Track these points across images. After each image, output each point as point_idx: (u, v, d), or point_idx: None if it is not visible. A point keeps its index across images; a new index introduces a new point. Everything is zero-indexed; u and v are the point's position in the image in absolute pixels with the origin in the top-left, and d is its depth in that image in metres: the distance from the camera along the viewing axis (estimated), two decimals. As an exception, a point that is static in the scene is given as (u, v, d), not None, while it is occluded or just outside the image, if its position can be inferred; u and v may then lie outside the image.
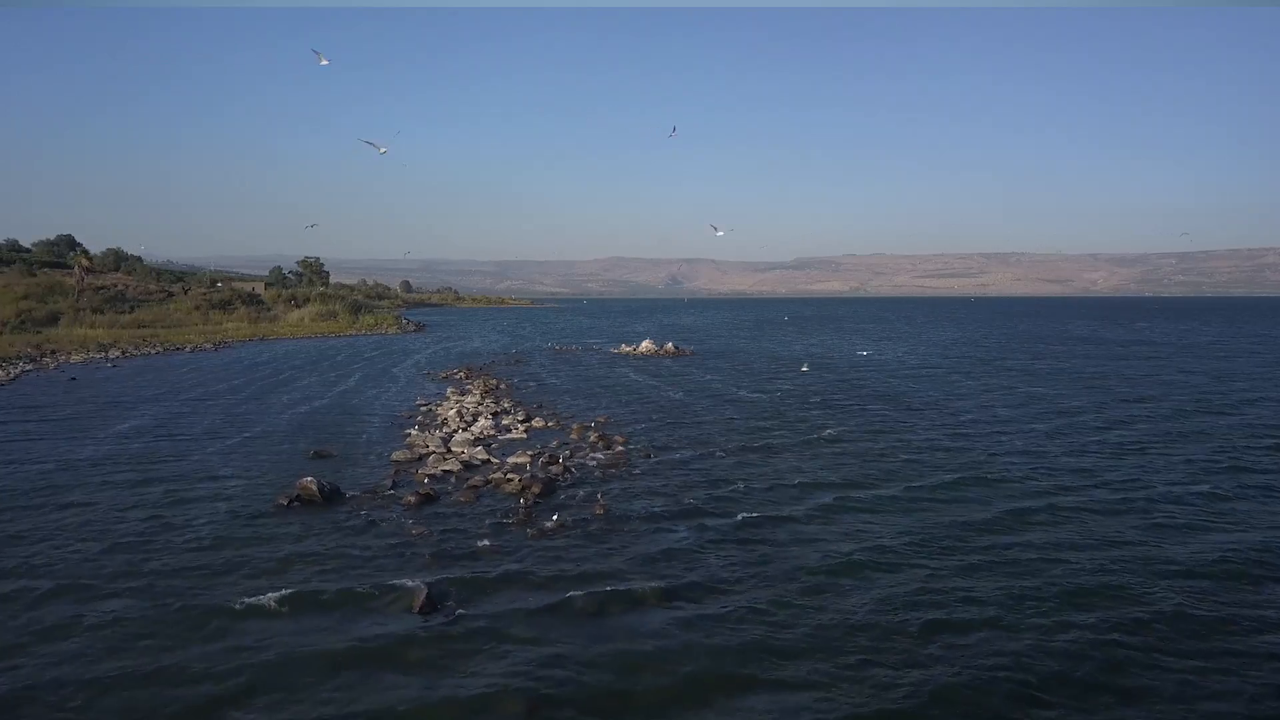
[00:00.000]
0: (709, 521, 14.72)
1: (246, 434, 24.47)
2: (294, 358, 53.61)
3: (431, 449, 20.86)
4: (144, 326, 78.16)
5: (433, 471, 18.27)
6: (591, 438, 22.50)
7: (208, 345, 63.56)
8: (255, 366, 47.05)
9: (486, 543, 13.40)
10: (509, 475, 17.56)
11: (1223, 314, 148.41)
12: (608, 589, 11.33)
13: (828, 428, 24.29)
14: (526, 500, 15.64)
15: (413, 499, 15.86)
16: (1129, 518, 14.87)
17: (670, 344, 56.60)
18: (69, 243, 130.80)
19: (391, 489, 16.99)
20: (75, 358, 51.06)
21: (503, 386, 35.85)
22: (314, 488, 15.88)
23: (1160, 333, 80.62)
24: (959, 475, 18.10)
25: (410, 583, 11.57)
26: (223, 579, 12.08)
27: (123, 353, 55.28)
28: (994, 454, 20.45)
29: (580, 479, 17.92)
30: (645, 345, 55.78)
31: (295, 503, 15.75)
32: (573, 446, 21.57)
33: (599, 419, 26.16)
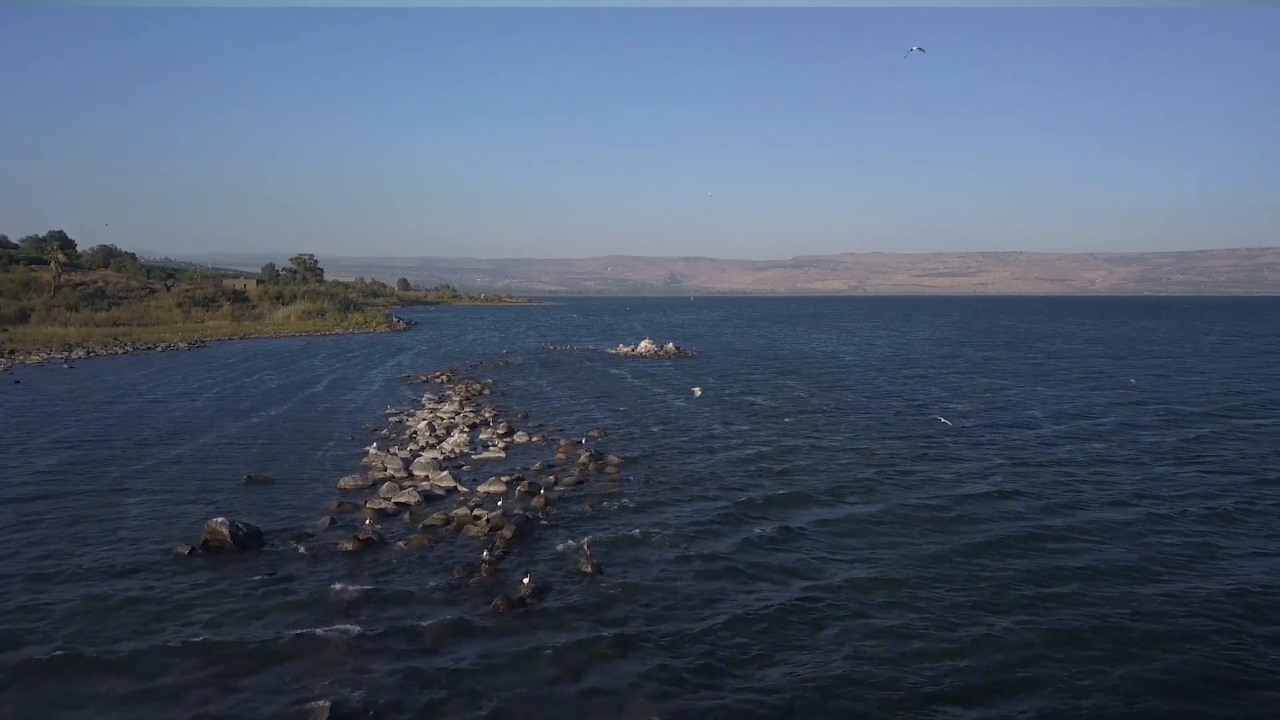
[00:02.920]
0: (724, 581, 11.41)
1: (182, 449, 21.13)
2: (270, 358, 50.25)
3: (389, 472, 17.51)
4: (119, 325, 74.74)
5: (384, 505, 14.90)
6: (581, 457, 19.14)
7: (181, 344, 60.14)
8: (225, 368, 43.69)
9: (430, 619, 10.03)
10: (476, 512, 14.22)
11: (1225, 313, 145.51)
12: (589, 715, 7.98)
13: (847, 440, 20.96)
14: (493, 550, 12.29)
15: (350, 546, 12.51)
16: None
17: (670, 344, 53.22)
18: (60, 239, 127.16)
19: (328, 529, 13.64)
20: (34, 358, 47.67)
21: (486, 392, 32.48)
22: (225, 532, 12.54)
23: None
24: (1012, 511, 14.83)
25: (309, 689, 8.25)
26: (51, 660, 8.76)
27: (87, 353, 51.87)
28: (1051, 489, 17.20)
29: (565, 515, 14.56)
30: (644, 346, 52.40)
31: (199, 551, 12.41)
32: (558, 470, 18.22)
33: (591, 432, 22.81)
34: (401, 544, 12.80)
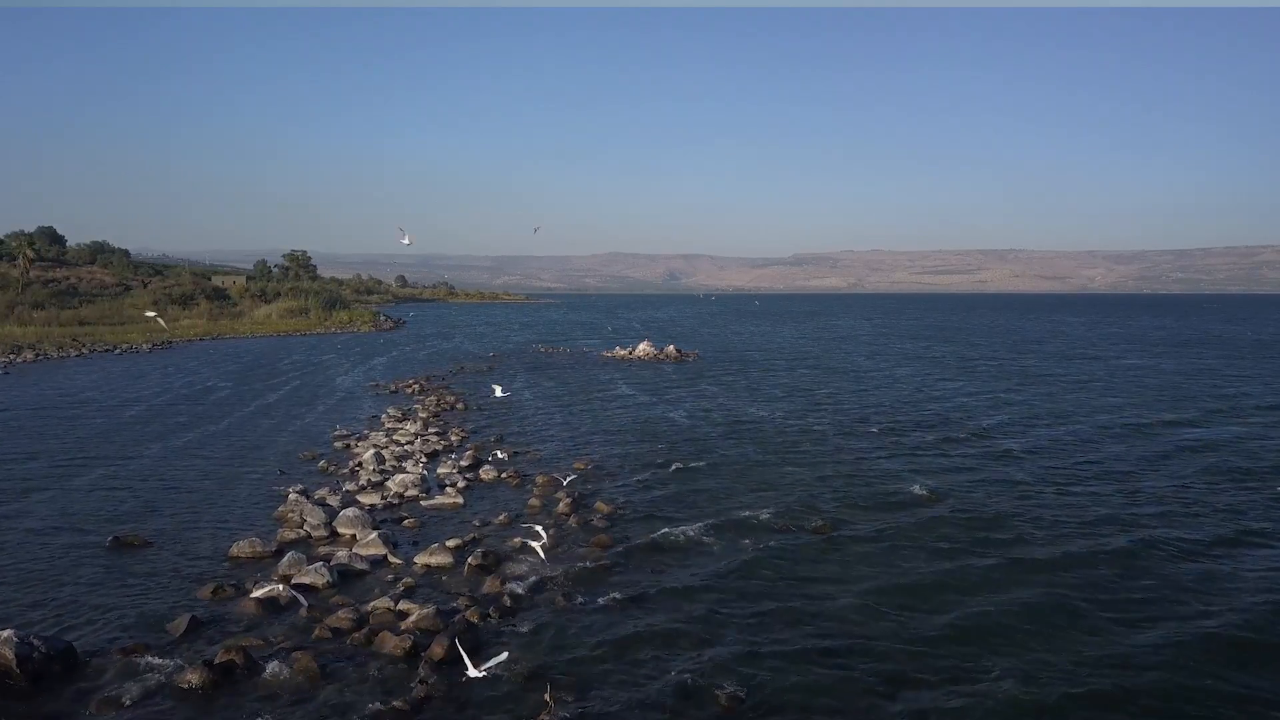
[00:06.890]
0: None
1: (72, 483, 17.06)
2: (234, 361, 46.01)
3: (305, 530, 13.30)
4: (85, 324, 70.41)
5: (276, 590, 10.64)
6: (561, 505, 14.93)
7: (145, 345, 55.80)
8: (178, 373, 39.44)
9: None
10: (402, 606, 10.00)
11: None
12: None
13: (881, 476, 16.74)
14: (411, 690, 8.04)
15: (195, 678, 8.27)
16: None
17: (671, 347, 48.85)
18: (51, 235, 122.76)
19: (181, 638, 9.40)
20: (-26, 361, 43.47)
21: (460, 406, 28.18)
22: (10, 655, 8.32)
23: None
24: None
25: None
26: None
27: (37, 355, 47.59)
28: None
29: (526, 609, 10.30)
30: (643, 348, 48.09)
31: (-35, 688, 8.21)
32: (526, 527, 14.00)
33: (578, 464, 18.58)
34: (278, 672, 8.55)
